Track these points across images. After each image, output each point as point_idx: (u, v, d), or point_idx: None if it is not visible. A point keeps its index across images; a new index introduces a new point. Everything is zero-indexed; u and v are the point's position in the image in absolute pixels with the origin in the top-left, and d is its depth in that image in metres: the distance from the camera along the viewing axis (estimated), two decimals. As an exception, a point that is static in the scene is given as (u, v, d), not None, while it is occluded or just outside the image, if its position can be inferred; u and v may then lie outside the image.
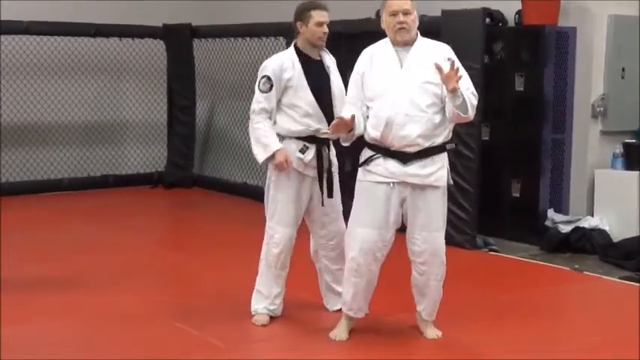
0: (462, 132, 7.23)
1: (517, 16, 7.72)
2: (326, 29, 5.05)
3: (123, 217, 8.78)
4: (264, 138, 4.99)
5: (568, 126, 7.58)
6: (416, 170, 4.64)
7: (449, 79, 4.48)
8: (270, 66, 5.04)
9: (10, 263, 6.63)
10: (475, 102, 4.61)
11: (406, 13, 4.65)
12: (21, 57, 9.84)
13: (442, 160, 4.71)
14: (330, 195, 5.10)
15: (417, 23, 4.73)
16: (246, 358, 4.77)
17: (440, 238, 4.79)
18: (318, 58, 5.12)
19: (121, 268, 6.55)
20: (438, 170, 4.68)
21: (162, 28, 10.41)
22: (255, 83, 5.09)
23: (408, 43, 4.70)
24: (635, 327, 5.11)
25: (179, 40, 10.47)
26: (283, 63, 5.03)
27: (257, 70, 5.13)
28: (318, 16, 5.01)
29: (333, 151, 5.19)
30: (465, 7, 7.39)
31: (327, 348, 4.79)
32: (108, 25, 9.99)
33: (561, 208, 7.55)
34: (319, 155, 5.04)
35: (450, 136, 4.76)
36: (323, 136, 5.01)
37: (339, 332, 4.89)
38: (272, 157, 4.98)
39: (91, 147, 10.55)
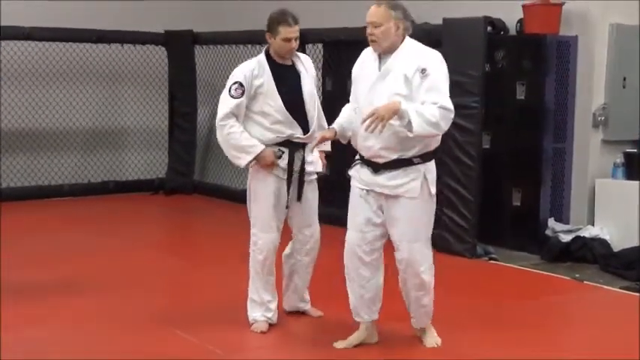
0: (462, 140, 7.23)
1: (518, 24, 7.72)
2: (294, 44, 5.03)
3: (123, 223, 8.77)
4: (244, 140, 4.99)
5: (569, 135, 7.57)
6: (384, 181, 4.62)
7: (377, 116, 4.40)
8: (242, 72, 5.04)
9: (10, 268, 6.63)
10: (438, 117, 4.43)
11: (375, 25, 4.60)
12: (22, 62, 9.85)
13: (416, 172, 4.61)
14: (299, 199, 5.11)
15: (394, 33, 4.59)
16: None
17: (416, 248, 4.68)
18: (290, 64, 5.13)
19: (120, 275, 6.54)
20: (410, 182, 4.60)
21: (163, 34, 10.42)
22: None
23: (388, 51, 4.64)
24: (636, 337, 5.09)
25: (180, 46, 10.48)
26: (254, 69, 5.04)
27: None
28: (285, 32, 4.99)
29: (313, 156, 5.18)
30: (466, 16, 7.38)
31: (327, 354, 4.78)
32: (110, 31, 10.00)
33: (562, 217, 7.54)
34: (290, 159, 5.05)
35: (431, 148, 4.63)
36: (297, 141, 5.04)
37: (348, 341, 4.89)
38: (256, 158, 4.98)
39: (92, 153, 10.55)
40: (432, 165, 4.70)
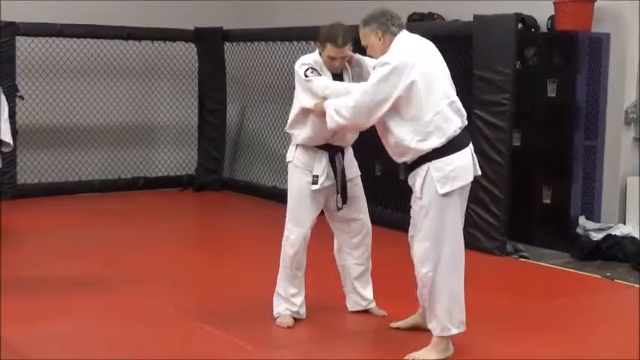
0: (492, 137, 7.20)
1: (550, 21, 7.67)
2: (338, 63, 4.98)
3: (152, 219, 8.82)
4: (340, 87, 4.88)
5: (600, 133, 7.51)
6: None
7: None
8: (310, 61, 5.00)
9: (40, 263, 6.70)
10: (342, 107, 4.60)
11: (364, 46, 4.75)
12: (54, 59, 9.93)
13: (417, 175, 4.58)
14: (344, 202, 5.10)
15: (380, 43, 4.67)
16: (270, 359, 4.76)
17: (420, 247, 4.61)
18: (340, 72, 5.07)
19: (149, 270, 6.58)
20: (413, 183, 4.62)
21: (193, 31, 10.45)
22: (283, 89, 5.07)
23: None
24: (667, 336, 5.05)
25: (210, 43, 10.51)
26: (317, 66, 4.98)
27: (288, 74, 5.12)
28: (331, 51, 4.93)
29: (349, 157, 5.19)
30: (497, 13, 7.34)
31: (352, 350, 4.78)
32: (140, 28, 10.06)
33: (593, 215, 7.48)
34: (332, 163, 5.06)
35: (425, 150, 4.52)
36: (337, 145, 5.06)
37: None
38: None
39: (122, 149, 10.61)
40: (438, 163, 4.54)
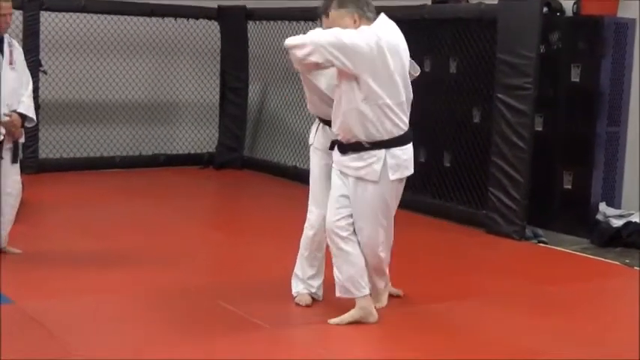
0: (514, 121, 7.17)
1: (575, 5, 7.60)
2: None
3: (172, 196, 8.85)
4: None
5: (623, 119, 7.46)
6: (349, 162, 4.72)
7: None
8: None
9: (60, 237, 6.75)
10: (307, 38, 4.61)
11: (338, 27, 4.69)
12: (78, 34, 9.95)
13: (375, 157, 4.65)
14: None
15: (354, 26, 4.63)
16: (288, 338, 4.78)
17: (374, 231, 4.79)
18: None
19: (168, 247, 6.61)
20: (370, 165, 4.66)
21: (216, 9, 10.45)
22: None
23: None
24: (685, 325, 5.02)
25: (233, 21, 10.50)
26: None
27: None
28: None
29: None
30: (522, -4, 7.30)
31: (369, 330, 4.79)
32: (164, 5, 10.07)
33: (613, 202, 7.44)
34: None
35: (379, 139, 4.65)
36: None
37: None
38: None
39: (144, 126, 10.64)
40: (398, 151, 4.69)
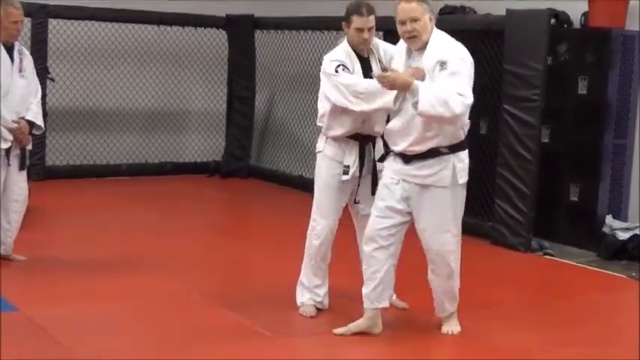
0: (521, 133, 7.16)
1: (583, 17, 7.60)
2: (366, 35, 4.96)
3: (178, 204, 8.86)
4: (369, 86, 4.83)
5: (630, 132, 7.44)
6: (415, 171, 4.66)
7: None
8: (339, 58, 4.98)
9: (66, 244, 6.75)
10: (450, 99, 4.43)
11: (414, 20, 4.58)
12: (85, 42, 9.98)
13: (445, 162, 4.65)
14: (373, 193, 5.05)
15: (430, 26, 4.64)
16: (291, 348, 4.77)
17: (447, 238, 4.74)
18: (366, 56, 5.07)
19: (173, 254, 6.61)
20: (440, 171, 4.65)
21: (224, 18, 10.47)
22: (312, 78, 5.05)
23: (422, 47, 4.65)
24: (691, 339, 5.00)
25: (241, 30, 10.52)
26: (346, 60, 4.97)
27: (318, 64, 5.10)
28: (357, 22, 4.94)
29: (379, 147, 5.14)
30: (530, 8, 7.30)
31: (373, 342, 4.78)
32: (172, 13, 10.09)
33: (620, 214, 7.42)
34: (362, 154, 5.04)
35: (458, 140, 4.70)
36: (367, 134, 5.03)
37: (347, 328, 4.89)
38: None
39: (151, 134, 10.66)
40: (463, 155, 4.74)
